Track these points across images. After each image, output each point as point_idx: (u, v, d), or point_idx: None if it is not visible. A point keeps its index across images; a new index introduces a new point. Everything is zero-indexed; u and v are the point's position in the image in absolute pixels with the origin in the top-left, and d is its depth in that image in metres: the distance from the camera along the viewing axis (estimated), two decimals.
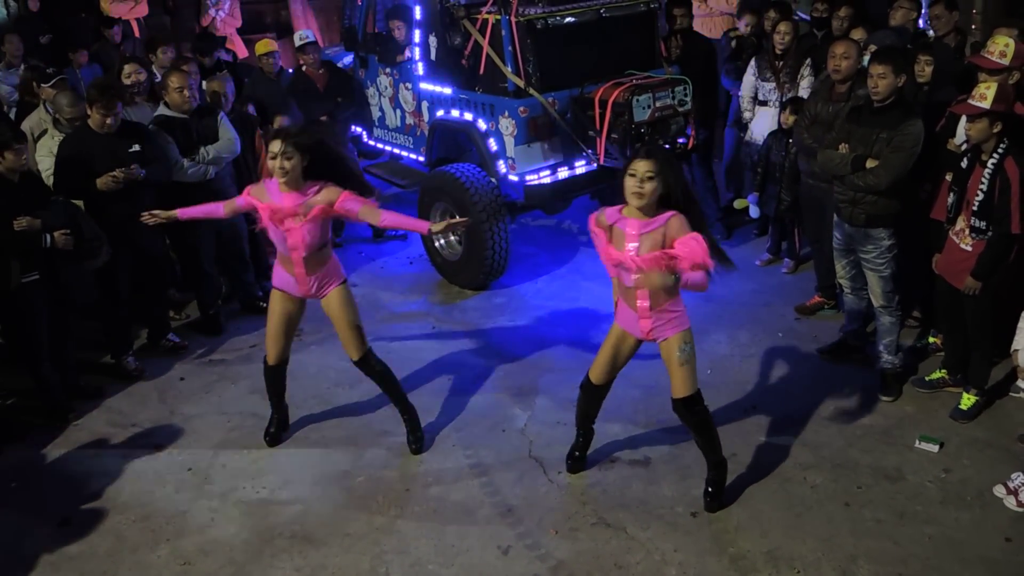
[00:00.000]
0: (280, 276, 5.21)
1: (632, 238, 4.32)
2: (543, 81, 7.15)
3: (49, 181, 6.31)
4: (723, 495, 4.85)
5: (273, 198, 4.94)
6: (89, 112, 6.06)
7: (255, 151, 7.39)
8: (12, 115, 7.87)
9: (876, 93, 5.38)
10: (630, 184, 4.23)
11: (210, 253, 6.99)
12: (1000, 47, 5.37)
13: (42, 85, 7.00)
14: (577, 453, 5.19)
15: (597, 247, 4.51)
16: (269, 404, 5.68)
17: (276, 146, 4.79)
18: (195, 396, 6.30)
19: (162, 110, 6.69)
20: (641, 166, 4.21)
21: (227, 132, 6.79)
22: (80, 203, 6.17)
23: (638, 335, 4.66)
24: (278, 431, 5.70)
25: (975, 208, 5.13)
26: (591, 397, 5.02)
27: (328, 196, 4.92)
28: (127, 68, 7.34)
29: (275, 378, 5.57)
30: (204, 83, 7.49)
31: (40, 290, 5.74)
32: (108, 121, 6.05)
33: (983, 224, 5.12)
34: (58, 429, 5.93)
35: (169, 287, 7.31)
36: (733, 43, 8.53)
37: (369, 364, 5.35)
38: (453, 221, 5.21)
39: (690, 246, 4.17)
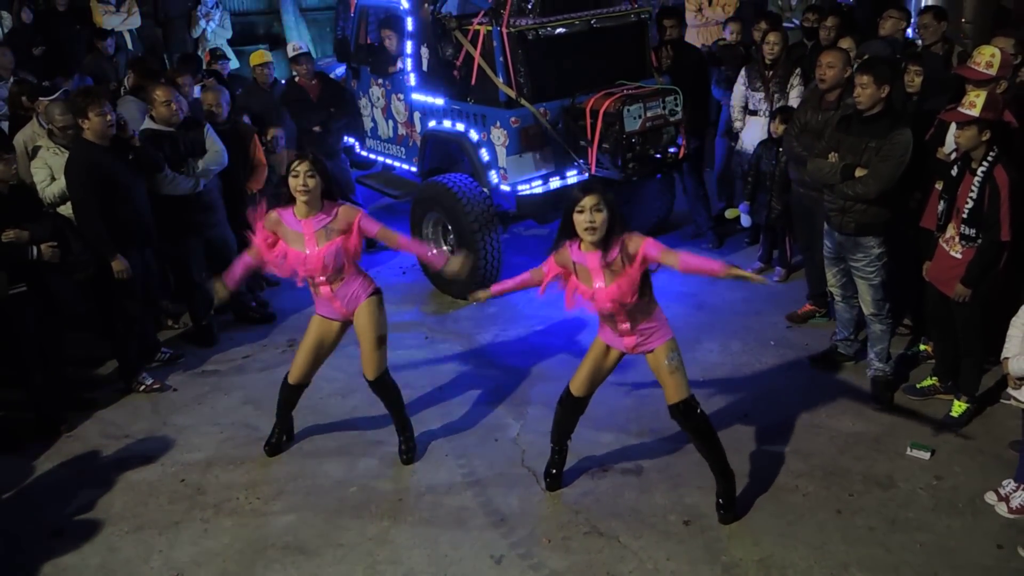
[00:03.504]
0: (317, 301, 5.21)
1: (597, 273, 4.38)
2: (534, 92, 7.18)
3: (43, 193, 6.31)
4: (735, 506, 4.84)
5: (292, 226, 4.95)
6: (84, 123, 5.99)
7: (248, 162, 7.39)
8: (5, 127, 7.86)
9: (859, 103, 5.42)
10: (581, 220, 4.25)
11: (200, 264, 6.99)
12: (987, 57, 5.41)
13: (40, 99, 6.97)
14: (554, 471, 5.17)
15: (566, 288, 4.54)
16: (275, 415, 5.66)
17: (300, 166, 4.82)
18: (188, 407, 6.29)
19: (148, 124, 6.65)
20: (588, 200, 4.23)
21: (214, 144, 6.79)
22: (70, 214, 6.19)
23: (622, 349, 4.69)
24: (279, 441, 5.69)
25: (965, 216, 5.16)
26: (570, 410, 5.02)
27: (347, 216, 4.95)
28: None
29: (290, 396, 5.57)
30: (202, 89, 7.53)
31: (29, 302, 5.73)
32: (109, 119, 6.02)
33: (973, 232, 5.15)
34: (50, 440, 5.92)
35: (161, 300, 7.31)
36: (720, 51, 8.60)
37: (383, 385, 5.34)
38: (463, 261, 5.23)
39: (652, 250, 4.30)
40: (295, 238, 4.95)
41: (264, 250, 5.03)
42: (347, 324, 5.29)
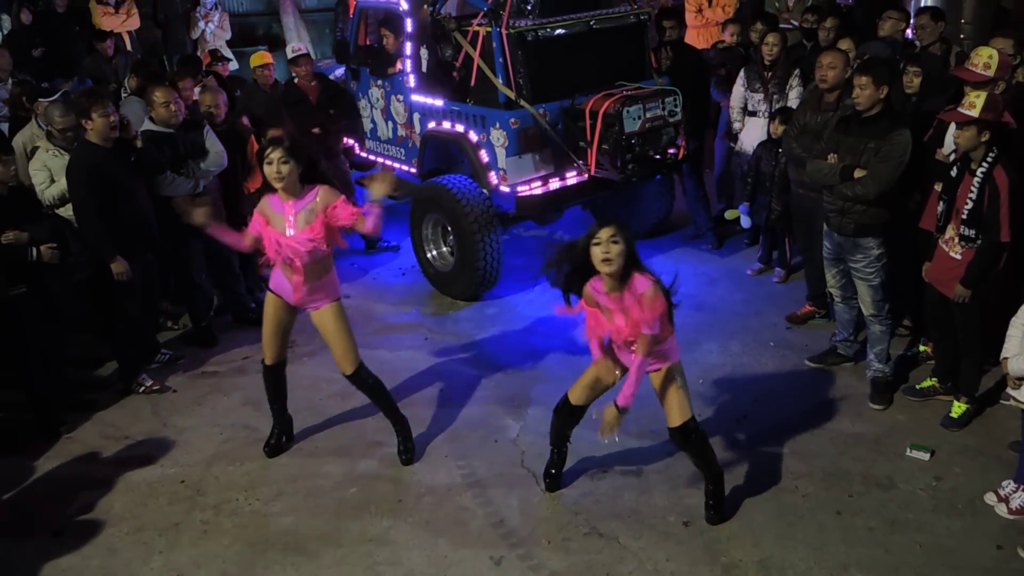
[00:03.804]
0: (277, 279, 5.20)
1: (617, 313, 4.35)
2: (534, 92, 7.18)
3: (42, 195, 6.31)
4: (724, 507, 4.85)
5: (276, 208, 4.97)
6: (88, 124, 5.99)
7: (246, 163, 7.39)
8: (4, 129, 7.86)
9: (858, 104, 5.42)
10: (598, 252, 4.23)
11: (200, 265, 6.99)
12: (984, 59, 5.40)
13: (40, 100, 6.97)
14: (553, 471, 5.18)
15: (593, 326, 4.53)
16: (270, 412, 5.67)
17: (274, 153, 4.80)
18: (188, 408, 6.29)
19: (148, 125, 6.65)
20: (604, 232, 4.22)
21: (214, 145, 6.79)
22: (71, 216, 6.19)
23: (628, 366, 4.65)
24: (279, 442, 5.70)
25: (964, 216, 5.16)
26: (567, 419, 5.01)
27: (326, 199, 4.94)
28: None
29: (274, 379, 5.55)
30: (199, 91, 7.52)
31: (29, 303, 5.73)
32: (112, 120, 6.01)
33: (972, 232, 5.15)
34: (50, 441, 5.92)
35: (161, 301, 7.31)
36: (719, 54, 8.59)
37: (361, 378, 5.36)
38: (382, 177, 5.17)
39: (641, 315, 4.27)
40: (278, 220, 4.96)
41: (258, 233, 5.05)
42: (298, 308, 5.30)
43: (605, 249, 4.22)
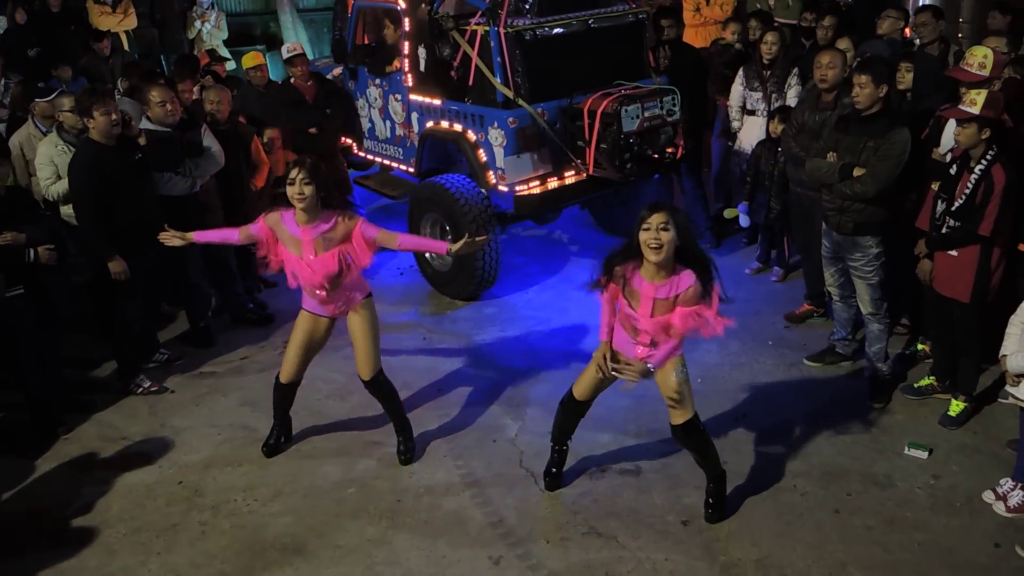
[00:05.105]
0: (309, 301, 5.22)
1: (647, 300, 4.32)
2: (532, 92, 7.17)
3: (46, 191, 6.28)
4: (724, 506, 4.86)
5: (291, 231, 4.93)
6: (90, 122, 5.96)
7: (251, 162, 7.38)
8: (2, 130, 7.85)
9: (857, 102, 5.42)
10: (646, 237, 4.19)
11: (198, 265, 6.97)
12: (979, 59, 5.40)
13: (36, 101, 6.94)
14: (554, 470, 5.18)
15: (607, 297, 4.47)
16: (272, 416, 5.67)
17: (298, 174, 4.77)
18: (185, 409, 6.28)
19: (145, 124, 6.63)
20: (655, 218, 4.17)
21: (212, 145, 6.77)
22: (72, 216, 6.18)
23: (632, 357, 4.65)
24: (277, 442, 5.70)
25: (953, 209, 5.16)
26: (572, 413, 5.01)
27: (346, 226, 4.92)
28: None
29: (284, 396, 5.56)
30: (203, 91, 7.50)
31: (26, 304, 5.71)
32: (114, 117, 5.99)
33: (958, 225, 5.16)
34: (48, 442, 5.91)
35: (159, 302, 7.30)
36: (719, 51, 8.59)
37: (378, 384, 5.35)
38: (471, 240, 5.04)
39: (687, 320, 4.27)
40: (293, 243, 4.94)
41: (257, 235, 5.04)
42: (335, 320, 5.30)
43: (655, 236, 4.17)
